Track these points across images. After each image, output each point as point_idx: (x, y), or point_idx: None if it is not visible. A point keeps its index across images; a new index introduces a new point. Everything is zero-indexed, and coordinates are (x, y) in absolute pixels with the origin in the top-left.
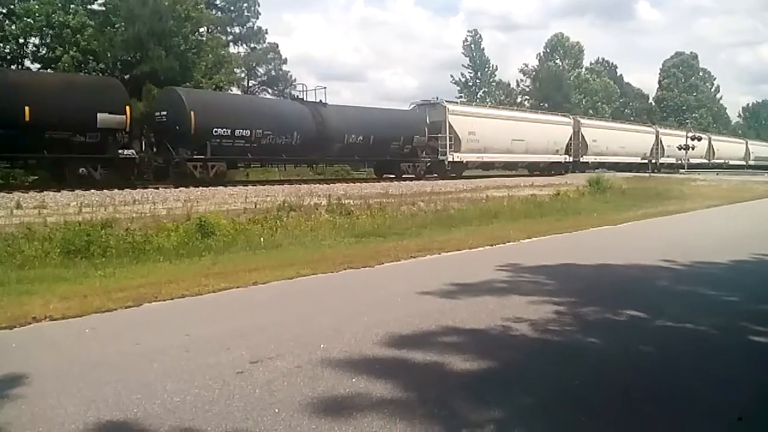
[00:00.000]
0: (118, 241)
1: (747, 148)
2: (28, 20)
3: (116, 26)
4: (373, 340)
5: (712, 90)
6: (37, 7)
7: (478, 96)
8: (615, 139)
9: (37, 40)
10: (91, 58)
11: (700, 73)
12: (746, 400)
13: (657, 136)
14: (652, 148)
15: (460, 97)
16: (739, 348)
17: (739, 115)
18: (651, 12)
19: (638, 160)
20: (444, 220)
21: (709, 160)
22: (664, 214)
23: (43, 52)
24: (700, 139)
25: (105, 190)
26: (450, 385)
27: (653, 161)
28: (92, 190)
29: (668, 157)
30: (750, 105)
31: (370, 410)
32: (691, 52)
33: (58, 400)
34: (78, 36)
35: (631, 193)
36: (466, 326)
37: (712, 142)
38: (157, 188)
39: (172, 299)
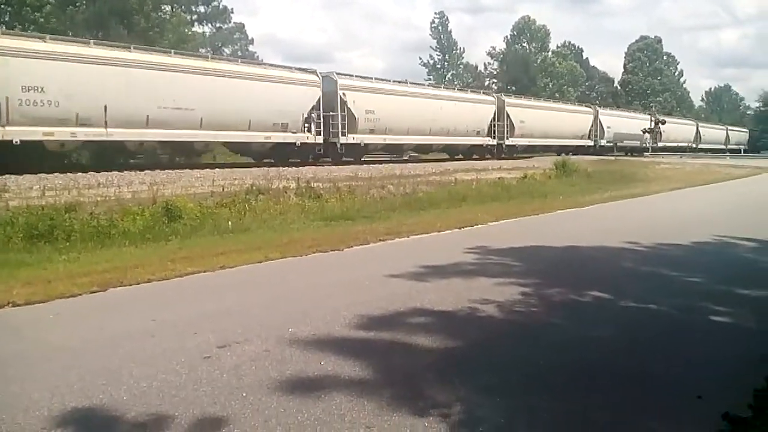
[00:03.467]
0: (82, 225)
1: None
2: None
3: (77, 4)
4: (342, 322)
5: (676, 74)
6: None
7: (447, 78)
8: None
9: None
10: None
11: (665, 57)
12: (706, 379)
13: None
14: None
15: (429, 79)
16: (700, 327)
17: (702, 99)
18: None
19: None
20: (413, 203)
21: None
22: (629, 197)
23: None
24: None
25: (69, 173)
26: (417, 366)
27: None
28: (56, 174)
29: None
30: (712, 89)
31: (339, 392)
32: (655, 36)
33: (22, 387)
34: (37, 14)
35: (597, 176)
36: (434, 308)
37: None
38: (122, 171)
39: (137, 284)
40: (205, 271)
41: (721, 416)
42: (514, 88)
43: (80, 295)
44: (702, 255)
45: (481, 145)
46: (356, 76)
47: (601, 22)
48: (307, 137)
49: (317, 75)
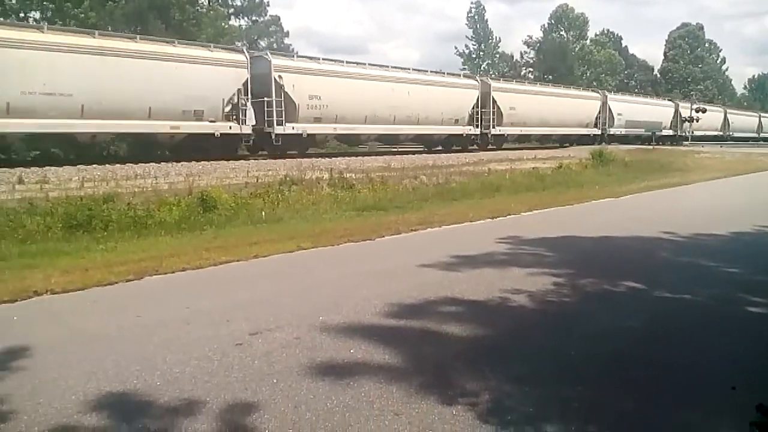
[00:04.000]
0: (119, 216)
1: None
2: None
3: (116, 0)
4: (372, 311)
5: (718, 61)
6: None
7: (482, 68)
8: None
9: (38, 15)
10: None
11: (706, 45)
12: (740, 370)
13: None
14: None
15: (464, 69)
16: (736, 318)
17: (745, 87)
18: None
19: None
20: (445, 193)
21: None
22: (666, 186)
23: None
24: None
25: (107, 165)
26: (447, 355)
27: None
28: (94, 165)
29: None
30: (756, 77)
31: (368, 380)
32: (696, 23)
33: (59, 372)
34: (77, 10)
35: (634, 165)
36: (465, 297)
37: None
38: (159, 163)
39: (173, 272)
40: (238, 261)
41: (755, 407)
42: (551, 77)
43: (117, 283)
44: (741, 245)
45: (461, 135)
46: (298, 56)
47: (641, 10)
48: (230, 127)
49: (245, 54)
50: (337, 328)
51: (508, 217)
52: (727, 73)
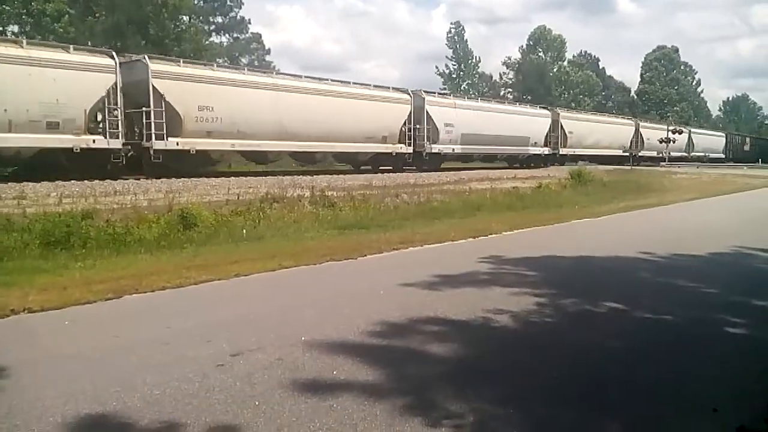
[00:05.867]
0: (98, 233)
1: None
2: (6, 7)
3: (96, 15)
4: (355, 331)
5: (693, 84)
6: None
7: (462, 88)
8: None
9: (16, 28)
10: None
11: (682, 67)
12: (721, 392)
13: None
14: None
15: (444, 88)
16: (716, 340)
17: (720, 109)
18: (630, 6)
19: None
20: (427, 212)
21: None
22: (645, 206)
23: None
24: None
25: (86, 181)
26: (430, 375)
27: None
28: (72, 181)
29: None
30: (730, 99)
31: (351, 401)
32: (672, 46)
33: (36, 393)
34: (56, 24)
35: (612, 185)
36: (447, 317)
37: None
38: (138, 179)
39: (152, 291)
40: (219, 279)
41: (735, 430)
42: (529, 97)
43: (95, 302)
44: (718, 266)
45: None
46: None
47: (618, 32)
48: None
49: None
50: (320, 348)
51: (489, 236)
52: (702, 95)
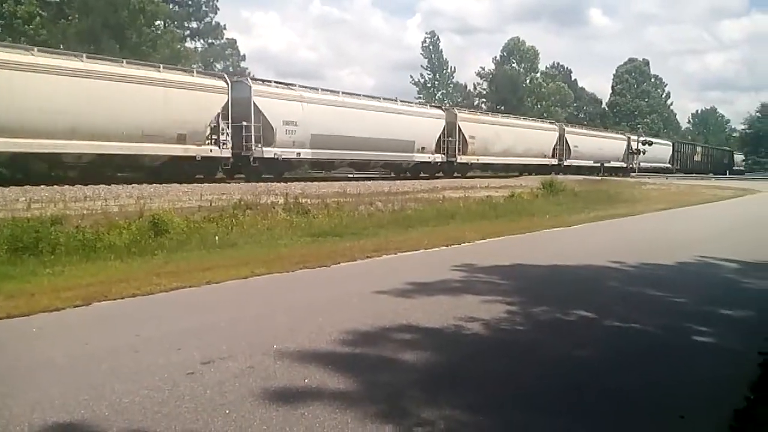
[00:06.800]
0: (68, 239)
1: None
2: None
3: (69, 18)
4: (328, 339)
5: (663, 96)
6: None
7: (437, 97)
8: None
9: None
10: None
11: (652, 80)
12: (689, 399)
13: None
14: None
15: (419, 98)
16: (684, 348)
17: (689, 121)
18: (602, 19)
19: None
20: (401, 220)
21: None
22: (615, 216)
23: None
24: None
25: (55, 186)
26: (403, 383)
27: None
28: (42, 186)
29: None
30: (699, 111)
31: (323, 409)
32: (643, 59)
33: (2, 402)
34: (27, 26)
35: (583, 195)
36: (420, 325)
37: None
38: (109, 185)
39: (122, 298)
40: (191, 287)
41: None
42: (503, 107)
43: (64, 309)
44: (686, 275)
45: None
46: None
47: (590, 44)
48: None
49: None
50: (292, 356)
51: (462, 244)
52: (672, 107)
